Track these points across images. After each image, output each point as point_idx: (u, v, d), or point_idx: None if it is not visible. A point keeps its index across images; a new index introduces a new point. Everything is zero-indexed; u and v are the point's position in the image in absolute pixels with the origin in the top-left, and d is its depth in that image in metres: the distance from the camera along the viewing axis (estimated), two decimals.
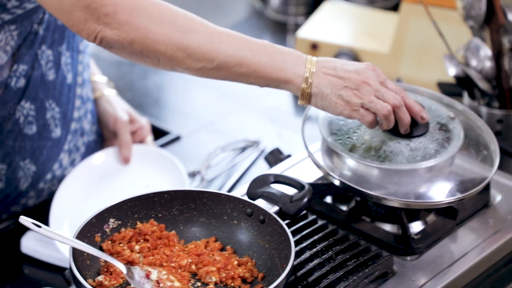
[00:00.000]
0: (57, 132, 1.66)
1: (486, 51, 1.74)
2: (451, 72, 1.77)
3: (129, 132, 1.75)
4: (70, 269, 1.25)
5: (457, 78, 1.78)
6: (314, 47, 2.20)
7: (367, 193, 1.39)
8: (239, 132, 2.01)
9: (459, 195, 1.39)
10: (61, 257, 1.60)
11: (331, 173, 1.43)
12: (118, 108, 1.77)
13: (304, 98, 1.39)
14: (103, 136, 1.80)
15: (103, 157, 1.74)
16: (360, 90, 1.38)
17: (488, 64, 1.74)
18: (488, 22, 1.77)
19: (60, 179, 1.70)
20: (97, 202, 1.64)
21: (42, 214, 1.66)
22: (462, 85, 1.79)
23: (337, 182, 1.42)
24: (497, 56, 1.76)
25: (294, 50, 1.41)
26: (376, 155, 1.42)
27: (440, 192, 1.41)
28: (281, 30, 2.51)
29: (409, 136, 1.42)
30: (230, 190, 1.83)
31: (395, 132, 1.42)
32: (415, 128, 1.42)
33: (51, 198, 1.67)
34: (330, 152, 1.47)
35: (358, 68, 1.39)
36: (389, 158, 1.42)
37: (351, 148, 1.45)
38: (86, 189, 1.70)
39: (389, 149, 1.43)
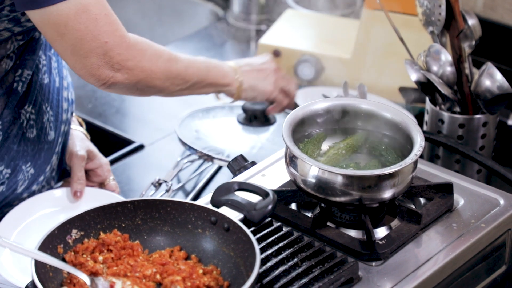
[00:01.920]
0: (51, 135, 1.67)
1: (447, 56, 1.75)
2: (413, 77, 1.78)
3: (83, 168, 1.72)
4: (33, 281, 1.23)
5: (419, 83, 1.79)
6: (276, 54, 2.20)
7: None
8: None
9: None
10: None
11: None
12: (78, 143, 1.76)
13: (237, 95, 1.78)
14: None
15: (59, 193, 1.70)
16: (276, 76, 1.83)
17: (449, 69, 1.76)
18: (448, 28, 1.78)
19: (48, 180, 1.69)
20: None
21: None
22: (424, 91, 1.80)
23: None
24: (458, 61, 1.78)
25: (220, 61, 1.74)
26: None
27: None
28: (243, 37, 2.51)
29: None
30: (194, 198, 1.82)
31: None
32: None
33: None
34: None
35: (265, 60, 1.85)
36: None
37: None
38: (35, 218, 1.66)
39: None
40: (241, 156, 1.64)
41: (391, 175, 1.42)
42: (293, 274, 1.34)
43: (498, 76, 1.73)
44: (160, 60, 1.56)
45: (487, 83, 1.73)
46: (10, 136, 1.60)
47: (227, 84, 1.74)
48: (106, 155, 1.94)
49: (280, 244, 1.40)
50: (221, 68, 1.73)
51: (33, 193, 1.68)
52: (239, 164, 1.63)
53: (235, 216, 1.36)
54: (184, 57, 1.63)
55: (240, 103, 1.99)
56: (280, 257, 1.37)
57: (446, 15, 1.75)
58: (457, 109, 1.79)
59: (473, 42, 1.79)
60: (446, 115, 1.77)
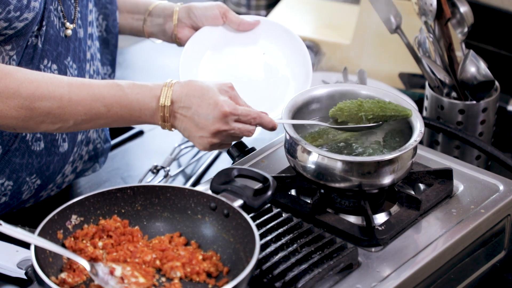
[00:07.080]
0: (64, 147, 1.63)
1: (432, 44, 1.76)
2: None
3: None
4: (32, 266, 1.23)
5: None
6: None
7: None
8: None
9: None
10: None
11: None
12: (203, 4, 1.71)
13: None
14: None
15: (211, 31, 1.72)
16: (220, 134, 1.46)
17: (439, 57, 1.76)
18: (439, 17, 1.78)
19: (60, 186, 1.68)
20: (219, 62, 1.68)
21: (37, 214, 1.64)
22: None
23: None
24: (448, 49, 1.78)
25: (151, 88, 1.44)
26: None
27: None
28: None
29: None
30: (194, 184, 1.82)
31: None
32: None
33: (47, 199, 1.67)
34: None
35: (216, 100, 1.44)
36: None
37: None
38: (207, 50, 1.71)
39: None
40: (241, 142, 1.64)
41: (390, 161, 1.42)
42: (293, 260, 1.34)
43: (482, 64, 1.73)
44: (13, 96, 1.38)
45: (472, 69, 1.73)
46: (10, 149, 1.56)
47: (147, 122, 1.47)
48: None
49: (280, 230, 1.40)
50: (139, 108, 1.44)
51: (40, 197, 1.66)
52: (239, 150, 1.63)
53: (235, 202, 1.36)
54: (68, 89, 1.41)
55: None
56: (279, 243, 1.37)
57: (437, 5, 1.75)
58: (454, 94, 1.79)
59: (466, 29, 1.79)
60: (445, 101, 1.77)
